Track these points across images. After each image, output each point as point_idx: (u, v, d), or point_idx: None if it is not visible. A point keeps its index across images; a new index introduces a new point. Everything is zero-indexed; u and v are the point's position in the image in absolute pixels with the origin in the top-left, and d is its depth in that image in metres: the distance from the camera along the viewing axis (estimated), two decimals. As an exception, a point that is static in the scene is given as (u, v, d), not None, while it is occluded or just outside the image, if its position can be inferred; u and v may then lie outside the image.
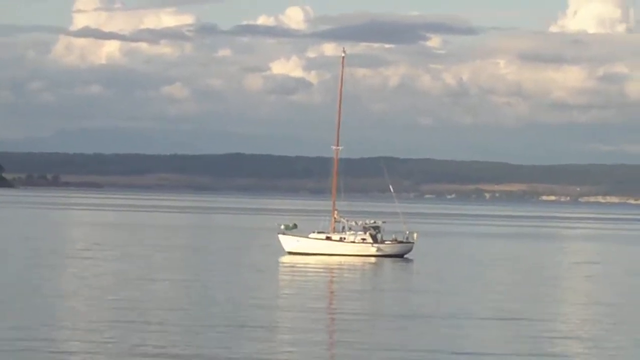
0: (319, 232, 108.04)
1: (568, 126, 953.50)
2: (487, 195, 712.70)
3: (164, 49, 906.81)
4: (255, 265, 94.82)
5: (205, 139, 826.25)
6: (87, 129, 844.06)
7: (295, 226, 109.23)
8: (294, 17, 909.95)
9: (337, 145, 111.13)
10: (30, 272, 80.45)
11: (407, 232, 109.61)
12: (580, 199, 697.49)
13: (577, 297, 74.82)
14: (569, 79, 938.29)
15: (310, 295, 70.65)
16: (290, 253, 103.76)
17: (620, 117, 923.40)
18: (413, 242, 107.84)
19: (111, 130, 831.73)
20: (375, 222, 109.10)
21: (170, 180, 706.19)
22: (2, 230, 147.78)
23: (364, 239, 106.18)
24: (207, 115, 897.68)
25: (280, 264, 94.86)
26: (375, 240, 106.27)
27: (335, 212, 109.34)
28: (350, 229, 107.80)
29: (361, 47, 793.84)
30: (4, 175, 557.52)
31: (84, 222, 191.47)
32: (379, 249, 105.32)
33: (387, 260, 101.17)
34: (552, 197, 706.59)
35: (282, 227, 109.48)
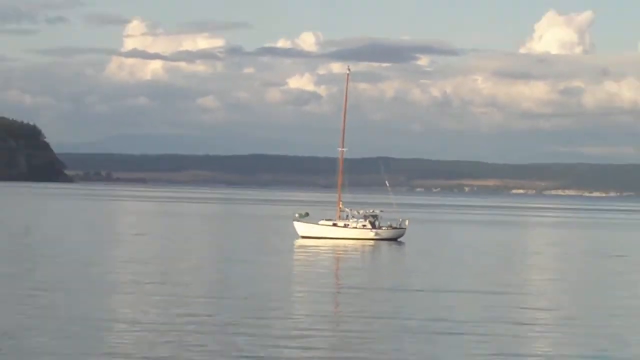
0: (327, 220, 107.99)
1: (534, 131, 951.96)
2: (467, 189, 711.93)
3: (199, 67, 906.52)
4: (275, 246, 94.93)
5: (232, 141, 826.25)
6: (135, 134, 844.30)
7: (307, 215, 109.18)
8: (307, 41, 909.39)
9: (342, 147, 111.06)
10: (92, 249, 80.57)
11: (400, 220, 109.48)
12: (544, 192, 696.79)
13: (543, 273, 74.53)
14: (535, 92, 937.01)
15: (319, 272, 70.59)
16: (303, 237, 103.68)
17: (578, 124, 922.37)
18: (405, 228, 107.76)
19: (155, 135, 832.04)
20: (373, 211, 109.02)
21: (203, 176, 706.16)
22: (66, 215, 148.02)
23: (364, 225, 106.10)
24: (234, 122, 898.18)
25: (295, 246, 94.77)
26: (373, 226, 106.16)
27: (341, 203, 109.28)
28: (353, 217, 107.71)
29: (363, 66, 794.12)
30: (66, 172, 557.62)
31: (132, 210, 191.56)
32: (376, 234, 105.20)
33: (384, 243, 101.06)
34: (521, 191, 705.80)
35: (297, 215, 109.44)
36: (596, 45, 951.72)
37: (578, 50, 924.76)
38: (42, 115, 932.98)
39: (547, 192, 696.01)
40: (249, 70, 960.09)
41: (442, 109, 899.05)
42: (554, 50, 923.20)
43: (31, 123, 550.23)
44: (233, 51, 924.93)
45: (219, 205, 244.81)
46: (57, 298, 47.95)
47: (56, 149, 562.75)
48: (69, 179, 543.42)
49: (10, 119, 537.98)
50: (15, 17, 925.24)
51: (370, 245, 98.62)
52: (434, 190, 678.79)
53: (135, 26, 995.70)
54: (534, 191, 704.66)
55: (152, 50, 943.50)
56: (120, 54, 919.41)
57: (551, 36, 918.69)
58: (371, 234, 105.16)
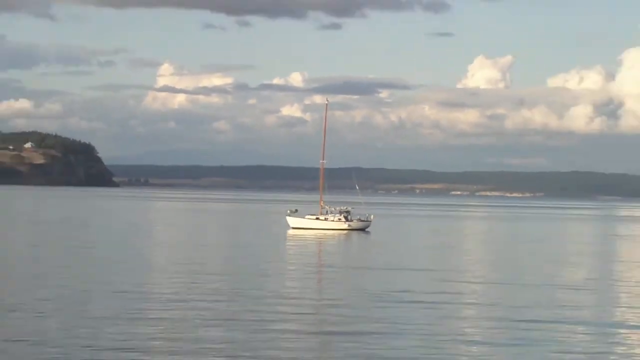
0: (311, 215, 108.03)
1: (468, 147, 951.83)
2: (417, 191, 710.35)
3: (214, 99, 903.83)
4: (272, 234, 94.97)
5: (240, 155, 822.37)
6: (165, 150, 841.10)
7: (296, 211, 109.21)
8: (296, 79, 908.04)
9: (323, 160, 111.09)
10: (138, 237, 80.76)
11: (367, 215, 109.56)
12: (475, 193, 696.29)
13: (472, 253, 74.63)
14: (468, 118, 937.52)
15: (305, 253, 70.74)
16: (294, 228, 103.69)
17: (501, 141, 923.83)
18: (370, 221, 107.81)
19: (181, 150, 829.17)
20: (347, 208, 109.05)
21: (217, 182, 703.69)
22: (115, 211, 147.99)
23: (339, 219, 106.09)
24: (241, 141, 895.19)
25: (287, 234, 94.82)
26: (346, 219, 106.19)
27: (322, 202, 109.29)
28: (331, 212, 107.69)
29: (338, 98, 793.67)
30: (114, 179, 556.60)
31: (164, 208, 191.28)
32: (349, 225, 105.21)
33: (354, 233, 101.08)
34: (458, 192, 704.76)
35: (289, 211, 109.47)
36: (514, 81, 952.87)
37: (501, 85, 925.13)
38: (95, 136, 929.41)
39: (478, 193, 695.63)
40: (252, 101, 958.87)
41: (398, 130, 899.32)
42: (483, 85, 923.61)
43: (87, 142, 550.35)
44: (240, 87, 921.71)
45: (230, 204, 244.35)
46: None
47: (106, 162, 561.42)
48: (115, 185, 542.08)
49: (72, 139, 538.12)
50: (76, 62, 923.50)
51: (344, 234, 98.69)
52: (393, 192, 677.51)
53: (166, 68, 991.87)
54: (468, 192, 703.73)
55: (178, 87, 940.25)
56: (154, 89, 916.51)
57: (480, 75, 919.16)
58: (345, 225, 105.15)
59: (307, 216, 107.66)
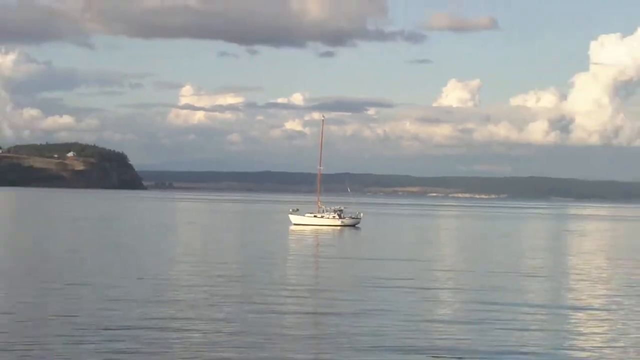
0: (310, 213, 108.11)
1: (443, 157, 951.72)
2: (400, 193, 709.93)
3: (228, 116, 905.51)
4: (276, 230, 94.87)
5: (250, 163, 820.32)
6: (187, 159, 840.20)
7: (297, 210, 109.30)
8: (297, 98, 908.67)
9: (320, 166, 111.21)
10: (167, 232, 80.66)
11: (357, 213, 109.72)
12: (449, 195, 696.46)
13: (446, 246, 74.82)
14: (443, 131, 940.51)
15: (304, 245, 70.72)
16: (295, 224, 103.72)
17: (471, 151, 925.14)
18: (360, 218, 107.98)
19: (200, 159, 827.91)
20: (340, 207, 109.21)
21: (231, 185, 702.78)
22: (149, 212, 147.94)
23: (334, 217, 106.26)
24: (251, 151, 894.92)
25: (290, 230, 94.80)
26: (340, 217, 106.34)
27: (319, 202, 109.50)
28: (326, 211, 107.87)
29: (332, 114, 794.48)
30: (143, 183, 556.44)
31: (186, 207, 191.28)
32: (342, 222, 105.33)
33: (346, 228, 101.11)
34: (434, 194, 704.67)
35: (291, 210, 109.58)
36: (482, 101, 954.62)
37: (470, 104, 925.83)
38: (127, 146, 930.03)
39: (451, 195, 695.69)
40: (259, 117, 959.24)
41: (383, 142, 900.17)
42: (455, 104, 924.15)
43: (120, 151, 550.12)
44: (249, 105, 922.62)
45: (241, 204, 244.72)
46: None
47: (136, 168, 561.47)
48: (144, 188, 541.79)
49: (107, 149, 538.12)
50: (110, 84, 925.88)
51: (338, 230, 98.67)
52: (379, 194, 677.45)
53: (187, 89, 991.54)
54: (442, 194, 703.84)
55: (197, 105, 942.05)
56: (177, 107, 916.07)
57: (453, 95, 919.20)
58: (338, 222, 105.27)
59: (306, 214, 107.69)
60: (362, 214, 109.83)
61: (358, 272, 46.79)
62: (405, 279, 43.30)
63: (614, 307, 34.58)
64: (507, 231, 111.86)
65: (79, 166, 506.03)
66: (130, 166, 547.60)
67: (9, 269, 43.31)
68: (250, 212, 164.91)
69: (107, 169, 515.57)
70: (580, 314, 32.45)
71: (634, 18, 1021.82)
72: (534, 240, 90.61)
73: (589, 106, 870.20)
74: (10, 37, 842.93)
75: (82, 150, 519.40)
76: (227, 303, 32.15)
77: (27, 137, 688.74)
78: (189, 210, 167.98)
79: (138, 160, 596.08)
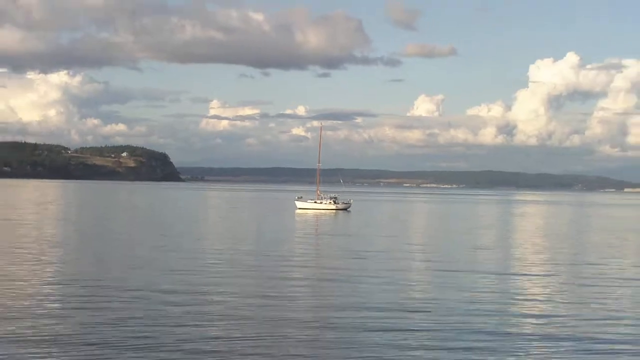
0: (311, 200, 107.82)
1: (415, 155, 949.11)
2: (381, 184, 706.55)
3: (246, 124, 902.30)
4: (284, 213, 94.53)
5: (264, 160, 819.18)
6: (215, 157, 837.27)
7: (301, 197, 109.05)
8: (301, 110, 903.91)
9: (319, 163, 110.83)
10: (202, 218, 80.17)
11: (348, 199, 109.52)
12: (420, 185, 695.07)
13: (418, 224, 74.47)
14: (414, 135, 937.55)
15: (307, 225, 70.42)
16: (299, 209, 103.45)
17: (435, 151, 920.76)
18: (350, 204, 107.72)
19: (225, 157, 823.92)
20: (335, 195, 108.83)
21: (249, 178, 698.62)
22: (186, 199, 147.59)
23: (330, 202, 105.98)
24: (264, 151, 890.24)
25: (295, 213, 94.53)
26: (335, 202, 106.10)
27: (318, 191, 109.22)
28: (324, 198, 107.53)
29: (328, 123, 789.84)
30: (180, 176, 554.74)
31: (213, 195, 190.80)
32: (336, 207, 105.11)
33: (340, 212, 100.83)
34: (408, 184, 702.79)
35: (296, 198, 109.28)
36: (444, 111, 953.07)
37: (436, 114, 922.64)
38: (168, 148, 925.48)
39: (422, 185, 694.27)
40: (271, 125, 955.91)
41: (368, 144, 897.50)
42: (424, 114, 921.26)
43: (163, 152, 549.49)
44: (263, 116, 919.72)
45: (257, 193, 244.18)
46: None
47: (176, 165, 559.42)
48: (182, 180, 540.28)
49: (152, 150, 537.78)
50: (155, 99, 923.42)
51: (333, 213, 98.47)
52: (365, 184, 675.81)
53: (215, 103, 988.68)
54: (415, 185, 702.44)
55: (223, 115, 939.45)
56: (207, 117, 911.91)
57: (423, 107, 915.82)
58: (334, 206, 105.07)
59: (308, 201, 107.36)
60: (352, 200, 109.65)
61: (349, 245, 46.48)
62: (386, 250, 43.01)
63: (548, 272, 34.56)
64: (464, 214, 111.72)
65: (131, 163, 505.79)
66: (170, 163, 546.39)
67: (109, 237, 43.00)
68: (265, 199, 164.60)
69: (153, 166, 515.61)
70: (522, 279, 32.43)
71: (563, 47, 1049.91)
72: (485, 220, 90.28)
73: (528, 115, 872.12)
74: (77, 63, 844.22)
75: (133, 151, 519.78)
76: (237, 272, 31.84)
77: (90, 141, 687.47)
78: (215, 198, 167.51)
79: (177, 159, 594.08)
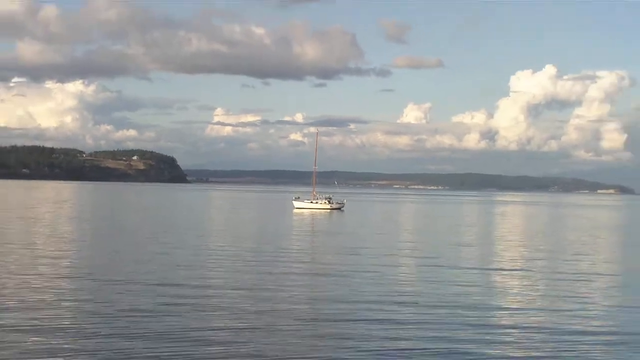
0: (308, 200, 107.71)
1: (403, 158, 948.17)
2: (373, 186, 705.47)
3: (248, 130, 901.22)
4: (283, 212, 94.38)
5: (264, 163, 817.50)
6: (219, 160, 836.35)
7: (299, 197, 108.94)
8: (299, 117, 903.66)
9: (315, 166, 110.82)
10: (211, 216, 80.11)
11: (342, 200, 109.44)
12: (408, 187, 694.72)
13: (406, 222, 74.10)
14: (404, 141, 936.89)
15: (304, 224, 70.21)
16: (297, 208, 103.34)
17: (424, 155, 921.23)
18: (344, 204, 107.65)
19: (228, 161, 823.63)
20: (330, 195, 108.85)
21: (251, 180, 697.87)
22: (192, 199, 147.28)
23: (325, 202, 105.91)
24: (265, 155, 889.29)
25: (293, 212, 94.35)
26: (330, 202, 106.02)
27: (314, 192, 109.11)
28: (320, 199, 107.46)
29: (323, 128, 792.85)
30: (187, 178, 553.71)
31: (217, 195, 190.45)
32: (331, 206, 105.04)
33: (335, 211, 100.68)
34: (397, 186, 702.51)
35: (294, 198, 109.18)
36: (432, 119, 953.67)
37: (423, 121, 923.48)
38: (176, 152, 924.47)
39: (410, 187, 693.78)
40: (272, 131, 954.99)
41: (361, 149, 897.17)
42: (412, 121, 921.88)
43: (171, 156, 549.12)
44: (264, 122, 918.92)
45: (258, 193, 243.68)
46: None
47: (183, 168, 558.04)
48: (188, 182, 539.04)
49: (161, 153, 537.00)
50: (164, 107, 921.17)
51: (328, 212, 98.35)
52: (357, 186, 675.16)
53: (219, 111, 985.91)
54: (404, 186, 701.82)
55: (226, 122, 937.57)
56: (212, 124, 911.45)
57: (411, 115, 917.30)
58: (329, 206, 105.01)
59: (305, 200, 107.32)
60: (345, 200, 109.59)
61: (342, 242, 46.37)
62: (378, 247, 42.92)
63: (526, 268, 34.58)
64: (449, 213, 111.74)
65: (141, 166, 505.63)
66: (178, 166, 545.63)
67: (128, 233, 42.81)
68: (265, 199, 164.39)
69: (161, 168, 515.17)
70: (501, 273, 32.44)
71: (541, 59, 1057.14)
72: (468, 218, 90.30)
73: (509, 122, 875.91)
74: (91, 73, 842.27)
75: (143, 155, 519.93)
76: (237, 267, 31.76)
77: (103, 146, 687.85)
78: (219, 198, 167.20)
79: (184, 162, 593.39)
